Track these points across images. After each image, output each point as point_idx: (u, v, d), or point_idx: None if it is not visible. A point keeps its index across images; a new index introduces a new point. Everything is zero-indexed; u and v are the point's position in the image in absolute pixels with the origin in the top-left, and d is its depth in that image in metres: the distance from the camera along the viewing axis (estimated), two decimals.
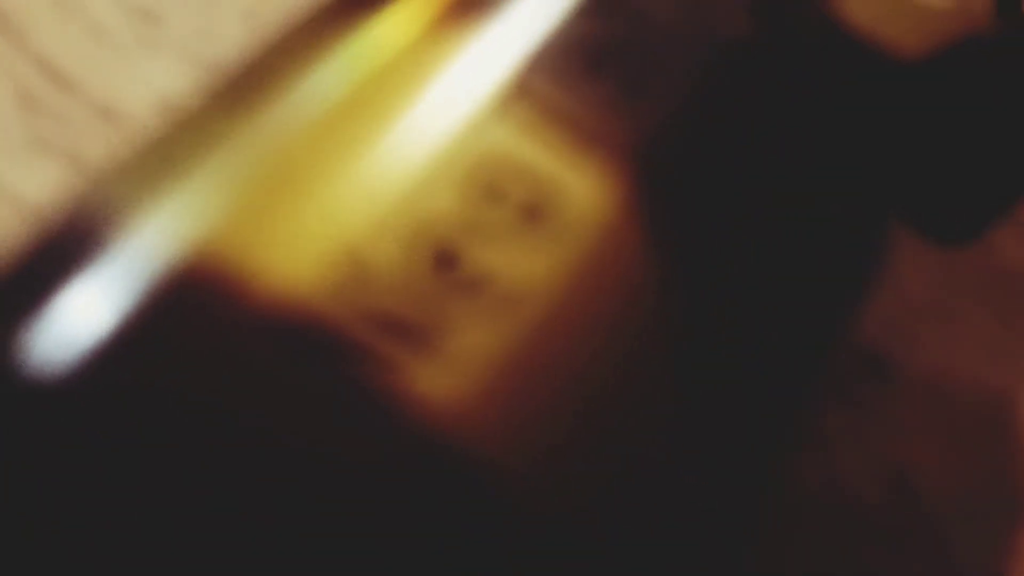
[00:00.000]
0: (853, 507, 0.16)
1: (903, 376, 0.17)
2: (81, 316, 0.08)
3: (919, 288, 0.18)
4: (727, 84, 0.10)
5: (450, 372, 0.08)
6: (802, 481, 0.16)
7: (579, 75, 0.10)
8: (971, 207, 0.15)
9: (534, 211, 0.09)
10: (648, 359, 0.09)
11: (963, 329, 0.18)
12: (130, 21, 0.17)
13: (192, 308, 0.08)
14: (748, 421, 0.10)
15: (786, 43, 0.11)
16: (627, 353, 0.09)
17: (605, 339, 0.09)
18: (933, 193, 0.15)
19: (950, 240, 0.16)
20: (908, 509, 0.16)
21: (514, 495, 0.08)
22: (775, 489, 0.16)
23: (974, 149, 0.15)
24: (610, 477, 0.09)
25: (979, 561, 0.16)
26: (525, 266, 0.09)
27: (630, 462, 0.09)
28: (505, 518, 0.08)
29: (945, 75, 0.13)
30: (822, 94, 0.12)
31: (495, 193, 0.09)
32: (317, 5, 0.11)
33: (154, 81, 0.16)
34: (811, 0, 0.12)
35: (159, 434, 0.07)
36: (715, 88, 0.10)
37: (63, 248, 0.09)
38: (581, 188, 0.09)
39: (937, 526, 0.16)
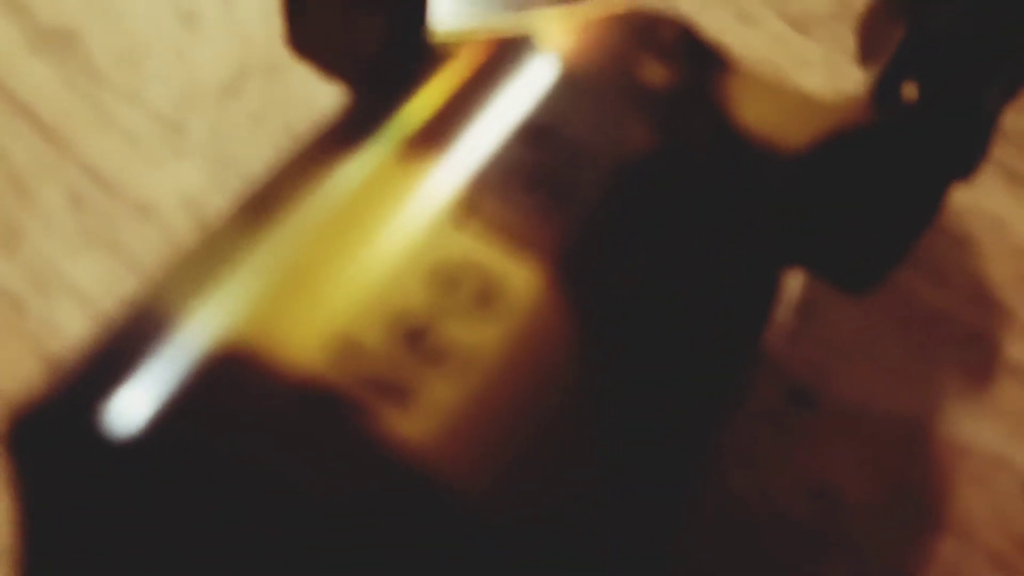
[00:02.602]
0: (780, 517, 0.19)
1: (828, 405, 0.20)
2: (145, 394, 0.11)
3: (843, 329, 0.21)
4: (637, 188, 0.13)
5: (423, 420, 0.11)
6: (734, 495, 0.19)
7: (517, 191, 0.13)
8: (863, 262, 0.18)
9: (484, 297, 0.12)
10: (576, 407, 0.12)
11: (881, 364, 0.21)
12: (158, 129, 0.20)
13: (231, 381, 0.11)
14: (664, 451, 0.13)
15: (685, 150, 0.14)
16: (560, 402, 0.12)
17: (542, 391, 0.12)
18: (831, 252, 0.18)
19: (852, 288, 0.19)
20: (829, 519, 0.19)
21: (473, 511, 0.11)
22: (707, 501, 0.18)
23: (860, 217, 0.18)
24: (551, 498, 0.12)
25: (893, 565, 0.19)
26: (478, 338, 0.11)
27: (568, 485, 0.11)
28: (466, 531, 0.11)
29: (826, 163, 0.16)
30: (714, 189, 0.15)
31: (454, 284, 0.12)
32: (313, 137, 0.14)
33: (181, 180, 0.19)
34: (708, 105, 0.15)
35: (215, 483, 0.10)
36: (626, 193, 0.13)
37: (126, 339, 0.12)
38: (520, 277, 0.12)
39: (855, 535, 0.19)
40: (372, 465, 0.11)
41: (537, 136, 0.13)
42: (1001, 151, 0.24)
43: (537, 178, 0.13)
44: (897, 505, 0.19)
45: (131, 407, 0.10)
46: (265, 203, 0.13)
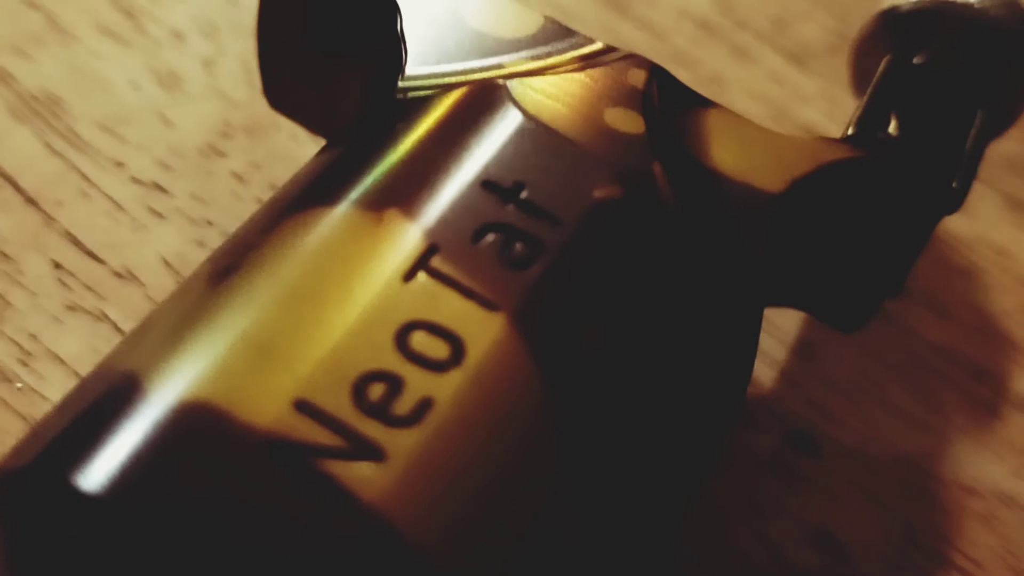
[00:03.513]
0: (786, 568, 0.18)
1: (830, 449, 0.20)
2: (114, 454, 0.11)
3: (844, 370, 0.21)
4: (602, 240, 0.13)
5: (387, 477, 0.11)
6: (737, 548, 0.18)
7: (478, 247, 0.12)
8: (851, 299, 0.18)
9: (442, 353, 0.12)
10: (536, 454, 0.11)
11: (884, 404, 0.20)
12: (141, 193, 0.20)
13: (196, 440, 0.11)
14: (635, 507, 0.13)
15: (654, 198, 0.14)
16: (519, 451, 0.11)
17: (504, 446, 0.11)
18: (819, 291, 0.18)
19: (844, 325, 0.18)
20: (837, 566, 0.18)
21: (435, 566, 0.10)
22: (710, 558, 0.18)
23: (845, 253, 0.17)
24: (511, 546, 0.11)
25: None
26: (438, 394, 0.11)
27: (527, 534, 0.11)
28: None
29: (808, 202, 0.16)
30: (689, 235, 0.15)
31: (411, 342, 0.12)
32: (280, 195, 0.14)
33: (164, 243, 0.19)
34: (681, 149, 0.15)
35: (184, 538, 0.10)
36: (592, 245, 0.13)
37: (96, 400, 0.11)
38: (479, 333, 0.12)
39: None
40: (335, 521, 0.10)
41: (502, 189, 0.13)
42: (1005, 180, 0.24)
43: (500, 232, 0.13)
44: (903, 549, 0.19)
45: (101, 468, 0.10)
46: (230, 262, 0.13)
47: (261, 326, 0.11)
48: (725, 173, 0.15)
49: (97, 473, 0.10)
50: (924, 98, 0.18)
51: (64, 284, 0.19)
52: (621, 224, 0.13)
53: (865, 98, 0.18)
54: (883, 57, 0.20)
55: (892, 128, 0.18)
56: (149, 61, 0.22)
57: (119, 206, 0.20)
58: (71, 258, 0.19)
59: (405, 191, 0.13)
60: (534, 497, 0.11)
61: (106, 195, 0.20)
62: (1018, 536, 0.19)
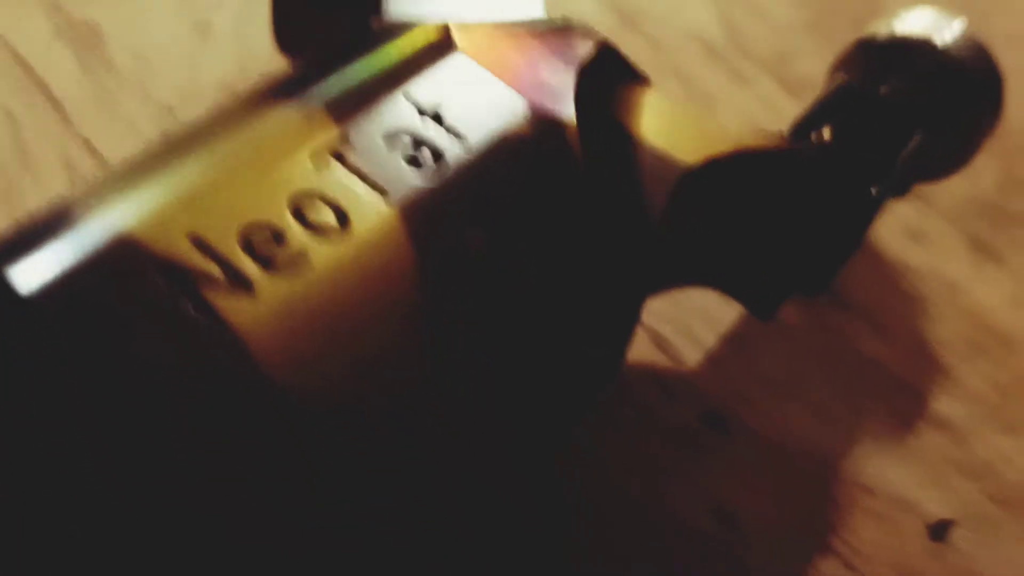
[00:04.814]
0: (676, 527, 0.19)
1: (741, 433, 0.21)
2: (45, 264, 0.13)
3: (773, 366, 0.22)
4: (506, 173, 0.15)
5: (260, 310, 0.13)
6: (632, 499, 0.19)
7: (391, 153, 0.14)
8: (765, 286, 0.19)
9: (331, 225, 0.13)
10: (398, 329, 0.13)
11: (805, 402, 0.21)
12: (157, 117, 0.22)
13: (115, 261, 0.13)
14: (482, 405, 0.14)
15: (567, 152, 0.16)
16: (382, 320, 0.13)
17: (368, 307, 0.13)
18: (735, 273, 0.19)
19: (755, 308, 0.20)
20: (727, 535, 0.20)
21: (281, 382, 0.12)
22: (604, 502, 0.19)
23: (758, 240, 0.19)
24: (354, 397, 0.13)
25: None
26: (322, 253, 0.13)
27: (374, 398, 0.13)
28: (281, 416, 0.12)
29: (719, 181, 0.17)
30: (612, 193, 0.16)
31: (310, 210, 0.14)
32: (247, 91, 0.16)
33: None
34: (609, 115, 0.17)
35: (86, 330, 0.12)
36: (494, 175, 0.15)
37: (40, 228, 0.13)
38: (369, 216, 0.14)
39: (747, 555, 0.19)
40: (205, 338, 0.12)
41: (420, 105, 0.15)
42: (971, 221, 0.25)
43: (409, 137, 0.15)
44: (794, 531, 0.20)
45: (32, 273, 0.12)
46: (183, 136, 0.15)
47: (180, 176, 0.13)
48: (644, 141, 0.17)
49: (19, 271, 0.12)
50: (861, 116, 0.20)
51: (71, 181, 0.21)
52: (521, 157, 0.15)
53: (808, 107, 0.20)
54: (855, 78, 0.21)
55: (826, 135, 0.20)
56: (188, 10, 0.24)
57: (135, 126, 0.22)
58: (82, 161, 0.21)
59: (338, 95, 0.15)
60: (387, 368, 0.13)
61: (125, 114, 0.22)
62: (908, 539, 0.20)
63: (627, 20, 0.27)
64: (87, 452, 0.12)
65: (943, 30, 0.22)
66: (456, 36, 0.17)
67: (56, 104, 0.22)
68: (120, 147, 0.21)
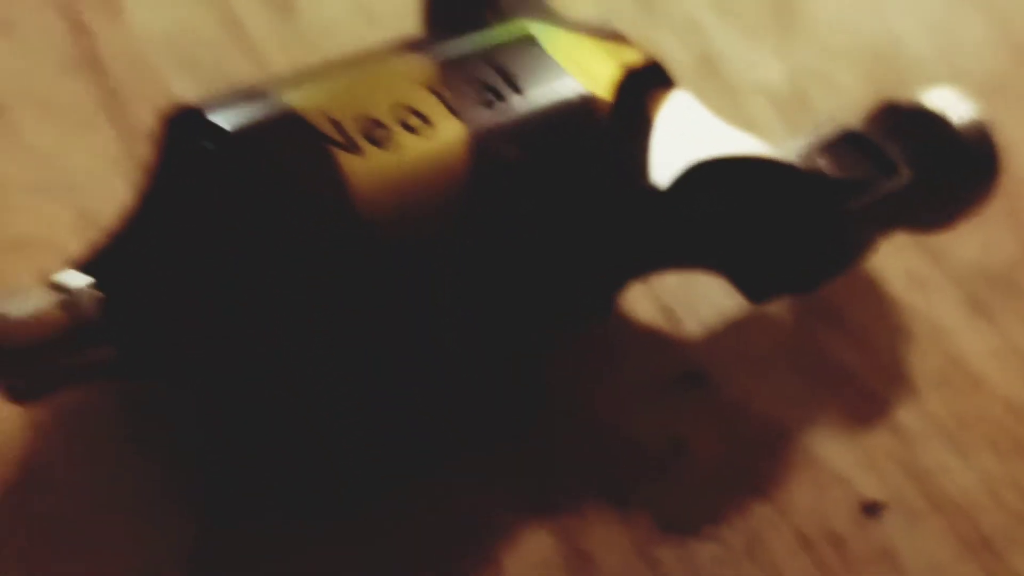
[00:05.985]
0: (632, 446, 0.24)
1: (714, 392, 0.25)
2: (234, 117, 0.19)
3: (758, 348, 0.26)
4: (558, 134, 0.21)
5: (367, 164, 0.19)
6: (598, 418, 0.24)
7: (472, 95, 0.21)
8: (756, 276, 0.24)
9: (419, 127, 0.20)
10: (450, 196, 0.19)
11: (777, 383, 0.26)
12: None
13: (279, 117, 0.19)
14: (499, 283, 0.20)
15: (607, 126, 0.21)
16: (441, 189, 0.19)
17: (433, 176, 0.19)
18: (738, 262, 0.24)
19: (750, 295, 0.24)
20: (675, 463, 0.24)
21: (367, 216, 0.18)
22: (569, 417, 0.24)
23: (754, 234, 0.23)
24: (418, 245, 0.19)
25: (711, 506, 0.24)
26: (408, 140, 0.19)
27: (433, 245, 0.19)
28: (366, 236, 0.18)
29: (718, 172, 0.22)
30: None
31: (405, 113, 0.20)
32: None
33: None
34: (637, 100, 0.22)
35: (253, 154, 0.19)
36: (548, 135, 0.21)
37: (232, 95, 0.20)
38: (446, 126, 0.20)
39: (689, 479, 0.24)
40: (324, 175, 0.19)
41: (497, 66, 0.21)
42: (973, 281, 0.29)
43: (482, 83, 0.21)
44: (738, 475, 0.24)
45: (224, 116, 0.19)
46: (341, 60, 0.22)
47: (331, 80, 0.20)
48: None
49: (222, 117, 0.19)
50: (855, 156, 0.25)
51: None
52: (558, 110, 0.21)
53: (810, 140, 0.25)
54: (871, 130, 0.26)
55: (820, 161, 0.24)
56: None
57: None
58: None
59: (446, 53, 0.21)
60: (434, 222, 0.19)
61: (307, 56, 0.29)
62: (840, 510, 0.24)
63: (708, 68, 0.33)
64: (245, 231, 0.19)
65: (957, 108, 0.26)
66: (537, 31, 0.23)
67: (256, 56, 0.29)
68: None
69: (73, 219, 0.26)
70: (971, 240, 0.29)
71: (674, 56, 0.33)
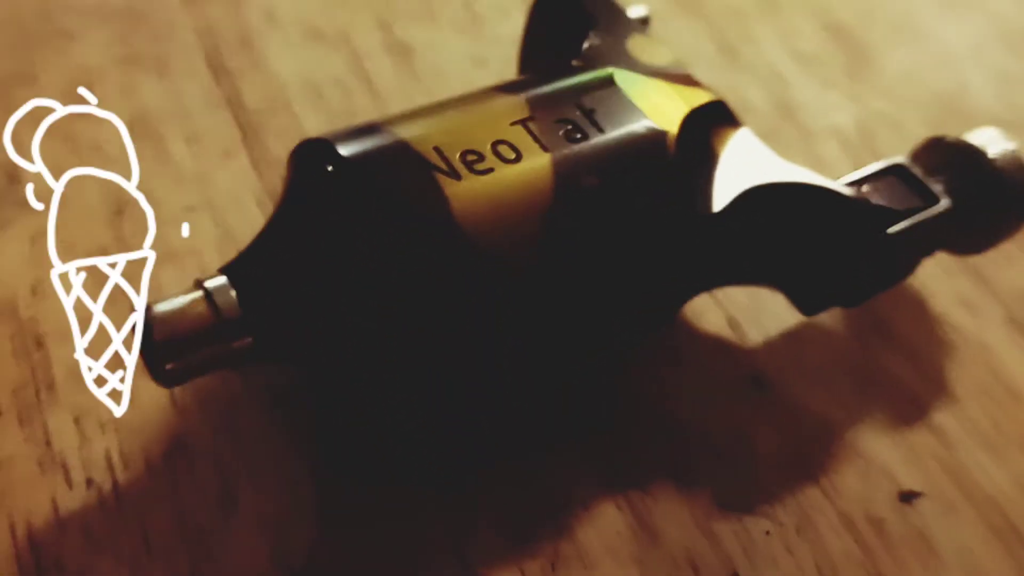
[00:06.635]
0: (697, 438, 0.27)
1: (777, 394, 0.29)
2: (354, 147, 0.24)
3: (816, 357, 0.30)
4: (616, 146, 0.25)
5: (465, 189, 0.23)
6: (666, 417, 0.28)
7: (558, 131, 0.24)
8: (810, 290, 0.27)
9: (513, 158, 0.24)
10: (535, 219, 0.23)
11: (833, 389, 0.29)
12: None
13: (388, 149, 0.23)
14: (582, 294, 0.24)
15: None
16: (528, 212, 0.23)
17: (521, 202, 0.23)
18: (792, 278, 0.27)
19: (803, 309, 0.28)
20: (737, 452, 0.27)
21: (467, 231, 0.22)
22: (644, 405, 0.28)
23: (808, 253, 0.27)
24: (509, 257, 0.23)
25: (764, 486, 0.27)
26: (504, 169, 0.23)
27: (521, 256, 0.23)
28: (466, 248, 0.22)
29: (771, 198, 0.26)
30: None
31: (503, 145, 0.24)
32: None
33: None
34: (703, 137, 0.26)
35: (366, 176, 0.23)
36: (607, 145, 0.24)
37: (355, 130, 0.25)
38: (535, 158, 0.24)
39: (752, 471, 0.27)
40: (430, 196, 0.23)
41: (583, 107, 0.25)
42: (1016, 303, 0.32)
43: (569, 123, 0.24)
44: (789, 458, 0.27)
45: (346, 146, 0.23)
46: (447, 100, 0.26)
47: (438, 117, 0.24)
48: (723, 159, 0.26)
49: (343, 147, 0.23)
50: (898, 187, 0.28)
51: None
52: (633, 145, 0.25)
53: (859, 171, 0.28)
54: (917, 163, 0.29)
55: (866, 189, 0.28)
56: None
57: None
58: None
59: (539, 93, 0.25)
60: (520, 240, 0.23)
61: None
62: (880, 495, 0.27)
63: (785, 111, 0.36)
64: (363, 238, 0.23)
65: (996, 144, 0.29)
66: (616, 74, 0.27)
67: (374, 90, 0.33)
68: None
69: (216, 234, 0.30)
70: (1016, 265, 0.32)
71: (755, 102, 0.36)
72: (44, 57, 0.35)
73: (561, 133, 0.24)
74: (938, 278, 0.32)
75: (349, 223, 0.23)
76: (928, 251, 0.29)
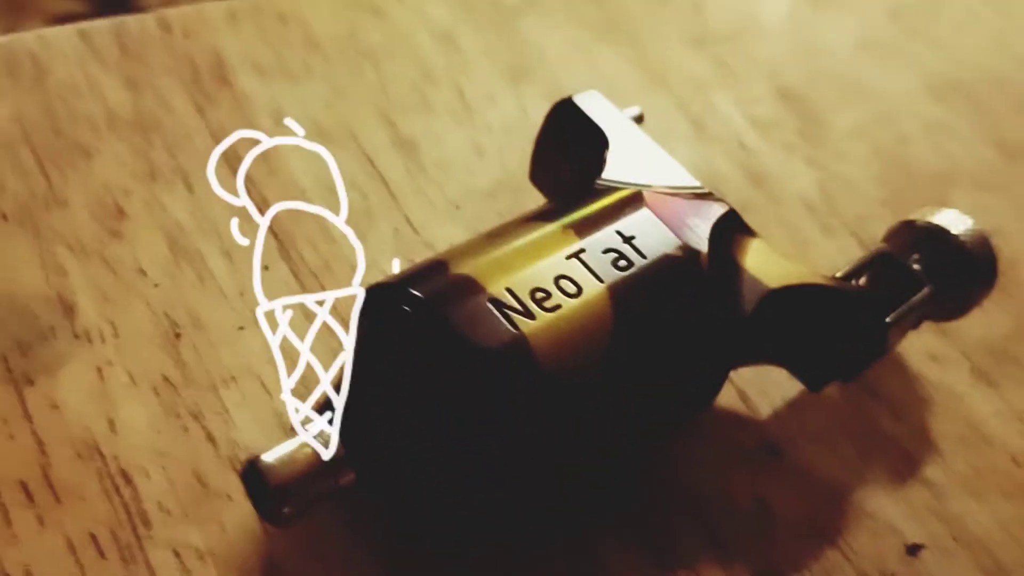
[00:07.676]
0: (726, 507, 0.31)
1: (789, 459, 0.32)
2: (418, 285, 0.26)
3: (817, 421, 0.33)
4: (659, 269, 0.27)
5: (537, 327, 0.25)
6: (694, 480, 0.31)
7: (601, 259, 0.27)
8: (814, 370, 0.30)
9: (576, 291, 0.26)
10: (600, 346, 0.26)
11: (836, 450, 0.33)
12: (444, 207, 0.35)
13: (459, 286, 0.26)
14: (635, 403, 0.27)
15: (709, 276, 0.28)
16: (594, 340, 0.26)
17: (587, 330, 0.26)
18: (797, 358, 0.31)
19: (809, 385, 0.31)
20: (759, 521, 0.31)
21: (545, 367, 0.25)
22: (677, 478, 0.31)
23: (810, 340, 0.30)
24: (581, 387, 0.25)
25: (782, 557, 0.30)
26: (568, 303, 0.26)
27: (592, 386, 0.25)
28: (547, 383, 0.25)
29: (789, 298, 0.29)
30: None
31: (564, 281, 0.26)
32: (520, 217, 0.29)
33: (450, 234, 0.34)
34: (726, 247, 0.29)
35: (442, 321, 0.25)
36: (664, 287, 0.27)
37: (420, 268, 0.27)
38: (593, 290, 0.26)
39: (774, 532, 0.30)
40: (506, 336, 0.25)
41: (624, 235, 0.28)
42: (978, 354, 0.36)
43: (616, 252, 0.27)
44: (811, 528, 0.31)
45: (415, 284, 0.25)
46: (499, 231, 0.28)
47: (505, 255, 0.27)
48: (746, 268, 0.29)
49: (414, 286, 0.25)
50: (889, 273, 0.31)
51: (399, 237, 0.34)
52: (673, 268, 0.28)
53: (853, 263, 0.32)
54: (895, 246, 0.33)
55: (862, 281, 0.31)
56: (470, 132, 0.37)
57: (435, 208, 0.35)
58: (405, 229, 0.34)
59: (580, 222, 0.28)
60: (591, 367, 0.26)
61: (428, 196, 0.35)
62: (890, 551, 0.31)
63: (755, 180, 0.40)
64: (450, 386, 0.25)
65: (959, 224, 0.33)
66: (645, 196, 0.29)
67: (389, 189, 0.35)
68: (426, 223, 0.34)
69: (265, 350, 0.32)
70: (974, 319, 0.36)
71: (725, 172, 0.39)
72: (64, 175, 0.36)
73: (610, 262, 0.27)
74: (908, 337, 0.35)
75: (437, 363, 0.25)
76: (915, 326, 0.32)
